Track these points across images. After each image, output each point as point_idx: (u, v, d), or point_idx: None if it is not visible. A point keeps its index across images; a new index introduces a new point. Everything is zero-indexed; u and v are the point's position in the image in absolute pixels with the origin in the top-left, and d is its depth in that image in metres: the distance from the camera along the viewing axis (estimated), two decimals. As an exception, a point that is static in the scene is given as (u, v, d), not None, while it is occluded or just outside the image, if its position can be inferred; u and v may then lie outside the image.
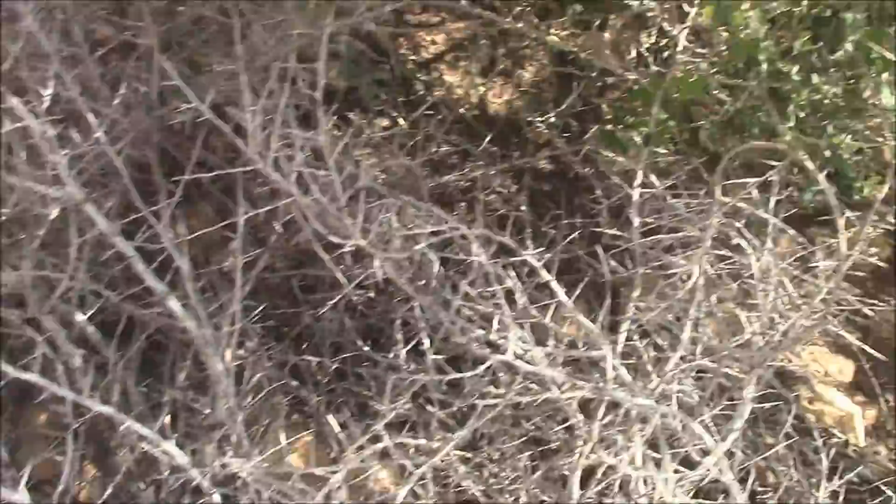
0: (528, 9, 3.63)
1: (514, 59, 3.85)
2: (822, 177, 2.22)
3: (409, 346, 2.14)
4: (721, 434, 1.99)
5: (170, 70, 1.86)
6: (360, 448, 1.96)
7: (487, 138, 3.21)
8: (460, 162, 3.32)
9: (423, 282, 2.07)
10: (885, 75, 2.15)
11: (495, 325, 1.86)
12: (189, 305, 1.97)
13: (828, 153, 2.38)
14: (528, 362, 1.73)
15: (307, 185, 1.79)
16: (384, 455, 2.03)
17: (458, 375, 1.82)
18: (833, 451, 2.82)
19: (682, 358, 1.91)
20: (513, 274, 2.00)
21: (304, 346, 2.68)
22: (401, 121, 2.99)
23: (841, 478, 2.61)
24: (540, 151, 3.34)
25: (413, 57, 3.76)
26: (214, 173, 2.01)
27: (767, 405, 2.58)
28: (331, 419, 2.07)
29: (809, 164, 2.24)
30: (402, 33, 3.65)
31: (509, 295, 2.08)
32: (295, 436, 2.45)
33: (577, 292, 2.25)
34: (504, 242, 2.00)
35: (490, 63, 3.82)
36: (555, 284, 1.90)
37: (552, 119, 3.30)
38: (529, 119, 3.35)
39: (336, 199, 1.75)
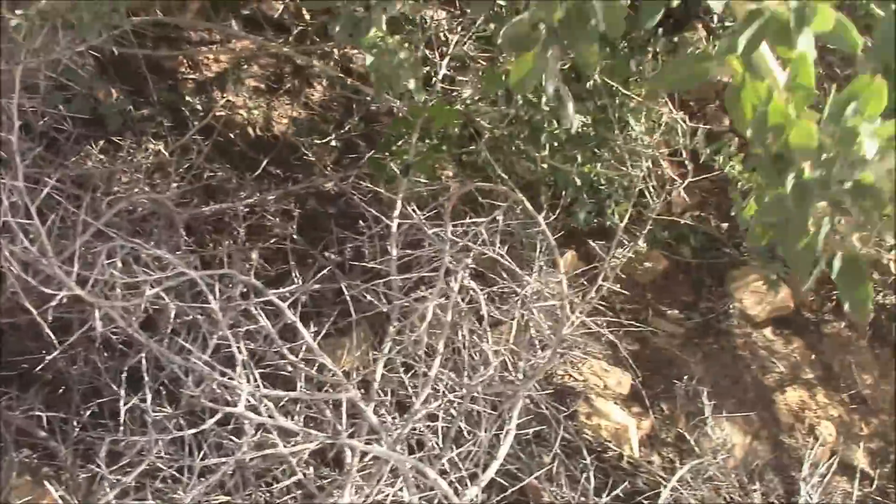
0: (309, 29, 3.57)
1: (301, 78, 3.77)
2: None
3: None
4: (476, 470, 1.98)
5: None
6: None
7: (264, 163, 3.11)
8: (239, 186, 3.21)
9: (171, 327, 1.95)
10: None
11: (239, 371, 1.77)
12: None
13: (577, 180, 2.44)
14: (261, 413, 1.65)
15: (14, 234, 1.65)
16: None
17: (180, 433, 1.72)
18: (608, 464, 2.92)
19: (429, 396, 1.89)
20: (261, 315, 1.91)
21: (60, 391, 2.51)
22: (161, 148, 2.84)
23: (612, 492, 2.70)
24: (320, 174, 3.27)
25: (193, 76, 3.62)
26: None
27: (539, 428, 2.63)
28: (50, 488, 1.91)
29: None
30: (181, 52, 3.49)
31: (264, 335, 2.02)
32: (43, 492, 2.29)
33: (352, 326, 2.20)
34: (252, 283, 1.91)
35: (277, 81, 3.73)
36: (299, 325, 1.84)
37: (332, 142, 3.24)
38: (310, 141, 3.27)
39: (44, 250, 1.61)
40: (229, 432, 1.86)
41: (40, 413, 2.28)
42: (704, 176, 2.78)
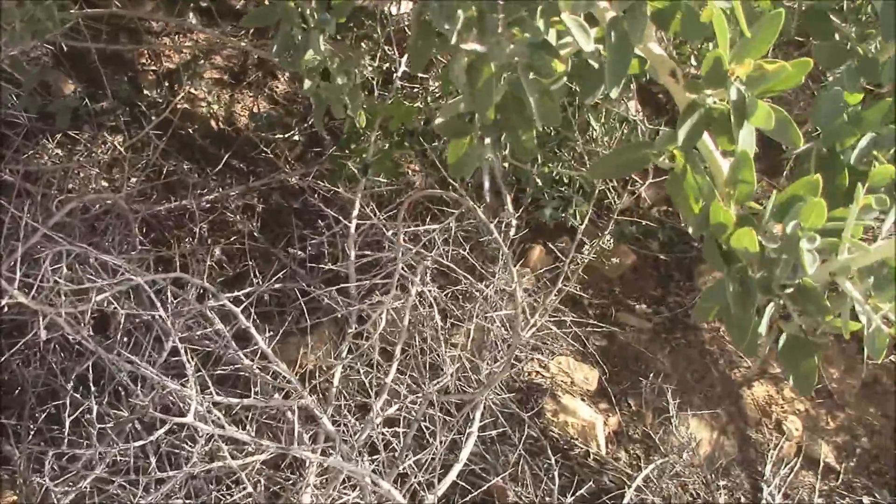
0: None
1: (266, 70, 3.70)
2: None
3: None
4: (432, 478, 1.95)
5: None
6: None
7: (225, 158, 3.05)
8: (201, 181, 3.15)
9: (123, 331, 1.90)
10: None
11: (191, 380, 1.73)
12: None
13: (538, 180, 2.41)
14: (211, 423, 1.61)
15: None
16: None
17: (137, 444, 1.68)
18: (574, 462, 2.91)
19: (388, 401, 1.86)
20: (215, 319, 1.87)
21: (15, 393, 2.45)
22: (118, 142, 2.77)
23: (579, 489, 2.68)
24: (283, 169, 3.22)
25: (154, 68, 3.54)
26: None
27: (503, 429, 2.60)
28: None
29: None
30: (136, 47, 3.41)
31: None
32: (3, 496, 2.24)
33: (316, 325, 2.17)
34: (206, 287, 1.87)
35: (241, 73, 3.67)
36: (253, 331, 1.79)
37: (296, 136, 3.19)
38: (272, 136, 3.21)
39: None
40: (183, 438, 1.82)
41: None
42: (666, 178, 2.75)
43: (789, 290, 1.25)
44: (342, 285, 2.05)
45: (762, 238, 1.24)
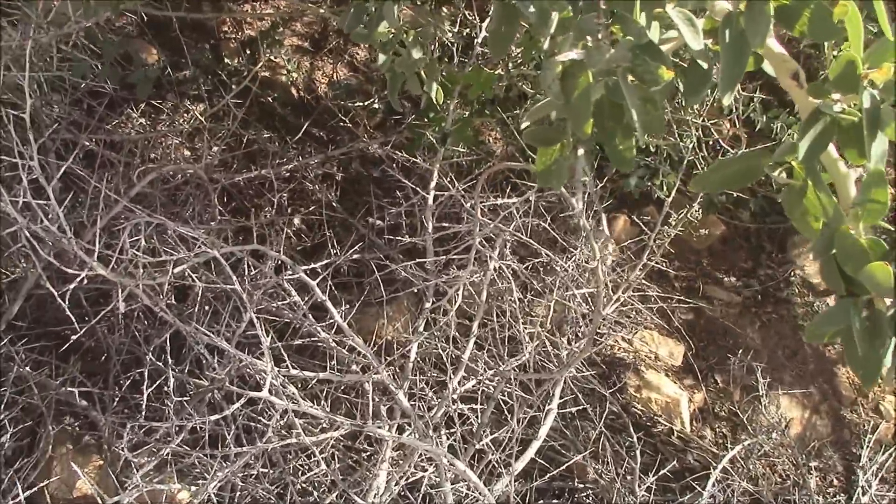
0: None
1: (346, 37, 3.65)
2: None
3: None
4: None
5: None
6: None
7: (305, 127, 3.03)
8: (282, 147, 3.14)
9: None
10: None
11: (266, 353, 1.71)
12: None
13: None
14: (286, 398, 1.59)
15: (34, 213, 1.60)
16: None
17: (214, 418, 1.68)
18: (657, 440, 2.82)
19: (464, 378, 1.81)
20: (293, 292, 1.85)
21: (101, 359, 2.49)
22: (200, 111, 2.77)
23: (663, 467, 2.60)
24: (373, 135, 3.18)
25: (235, 35, 3.54)
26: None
27: (583, 406, 2.54)
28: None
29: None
30: (216, 15, 3.41)
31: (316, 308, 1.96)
32: (85, 460, 2.29)
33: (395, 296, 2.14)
34: (284, 259, 1.85)
35: (321, 40, 3.64)
36: (329, 305, 1.77)
37: (376, 104, 3.14)
38: (351, 104, 3.17)
39: (63, 230, 1.56)
40: (260, 410, 1.82)
41: (82, 382, 2.26)
42: (764, 146, 2.62)
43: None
44: (420, 260, 2.00)
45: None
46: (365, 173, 3.16)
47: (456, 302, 1.84)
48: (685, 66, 1.15)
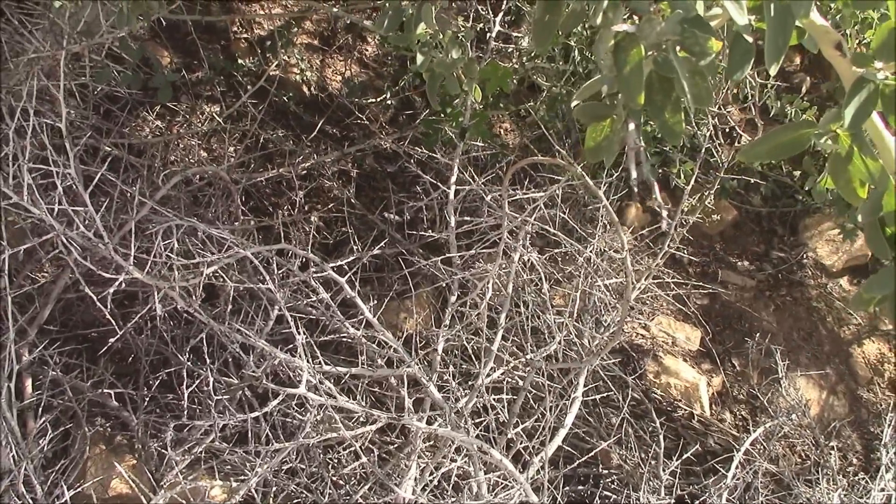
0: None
1: (355, 34, 3.68)
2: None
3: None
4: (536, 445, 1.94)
5: None
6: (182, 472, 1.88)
7: (319, 125, 3.06)
8: (297, 146, 3.17)
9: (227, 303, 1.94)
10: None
11: (300, 350, 1.75)
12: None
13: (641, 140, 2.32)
14: (322, 392, 1.63)
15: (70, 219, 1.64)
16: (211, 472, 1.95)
17: (254, 415, 1.71)
18: (678, 424, 2.86)
19: (499, 365, 1.85)
20: (321, 289, 1.88)
21: (129, 360, 2.53)
22: (216, 111, 2.80)
23: (685, 452, 2.64)
24: (385, 131, 3.21)
25: (245, 35, 3.56)
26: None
27: (607, 393, 2.57)
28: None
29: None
30: (228, 17, 3.43)
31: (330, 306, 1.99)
32: (118, 459, 2.33)
33: (414, 290, 2.17)
34: (310, 257, 1.88)
35: (331, 38, 3.66)
36: (359, 301, 1.80)
37: (388, 100, 3.17)
38: (363, 101, 3.20)
39: (100, 235, 1.60)
40: (293, 406, 1.85)
41: (113, 384, 2.29)
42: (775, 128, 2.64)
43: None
44: (444, 256, 2.03)
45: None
46: (379, 169, 3.19)
47: (487, 295, 1.87)
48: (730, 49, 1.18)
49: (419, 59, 1.66)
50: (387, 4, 1.56)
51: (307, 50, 3.58)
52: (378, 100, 3.14)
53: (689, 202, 2.80)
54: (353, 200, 2.73)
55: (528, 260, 2.05)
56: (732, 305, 3.30)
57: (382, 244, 2.33)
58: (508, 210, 2.02)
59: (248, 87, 2.89)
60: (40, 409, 2.04)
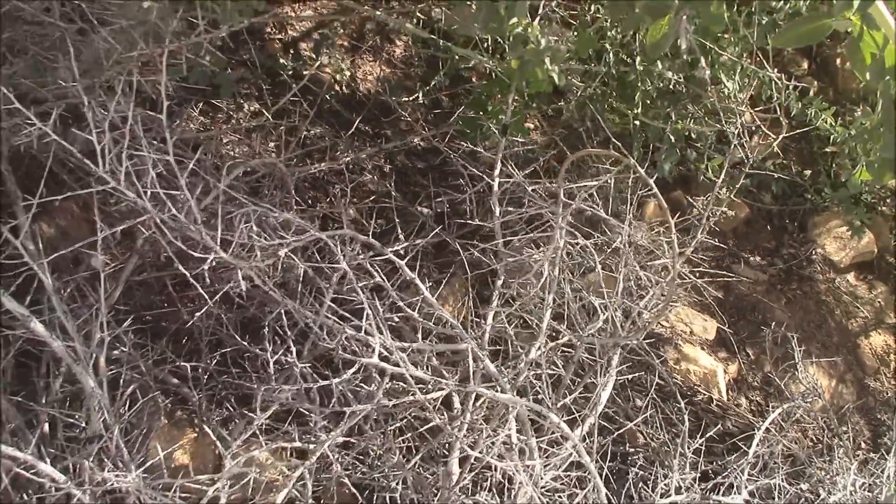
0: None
1: (383, 35, 3.83)
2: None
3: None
4: (583, 414, 2.10)
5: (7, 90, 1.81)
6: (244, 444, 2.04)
7: (356, 122, 3.21)
8: (331, 144, 3.32)
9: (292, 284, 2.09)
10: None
11: (364, 325, 1.90)
12: (52, 323, 1.95)
13: (671, 136, 2.50)
14: (394, 364, 1.78)
15: (163, 201, 1.79)
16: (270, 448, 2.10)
17: (326, 383, 1.86)
18: (698, 407, 3.02)
19: (545, 342, 2.00)
20: (378, 271, 2.04)
21: (183, 341, 2.68)
22: (256, 108, 2.95)
23: (705, 433, 2.80)
24: (410, 130, 3.36)
25: (279, 36, 3.71)
26: (62, 196, 1.99)
27: (635, 374, 2.73)
28: (207, 428, 2.08)
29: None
30: (263, 18, 3.58)
31: (377, 289, 2.14)
32: (179, 433, 2.47)
33: (450, 278, 2.33)
34: (371, 243, 2.04)
35: (359, 39, 3.81)
36: (419, 282, 1.96)
37: (420, 99, 3.33)
38: (399, 99, 3.35)
39: (191, 215, 1.75)
40: (353, 382, 2.00)
41: (174, 361, 2.44)
42: (799, 131, 2.83)
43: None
44: (493, 243, 2.19)
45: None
46: (411, 165, 3.35)
47: (542, 276, 2.03)
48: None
49: (511, 49, 1.82)
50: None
51: (337, 50, 3.73)
52: (411, 98, 3.30)
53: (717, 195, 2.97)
54: (393, 193, 2.88)
55: (577, 245, 2.21)
56: (746, 297, 3.47)
57: (421, 232, 2.48)
58: (550, 200, 2.18)
59: (292, 85, 3.04)
60: (120, 385, 2.18)
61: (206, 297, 2.04)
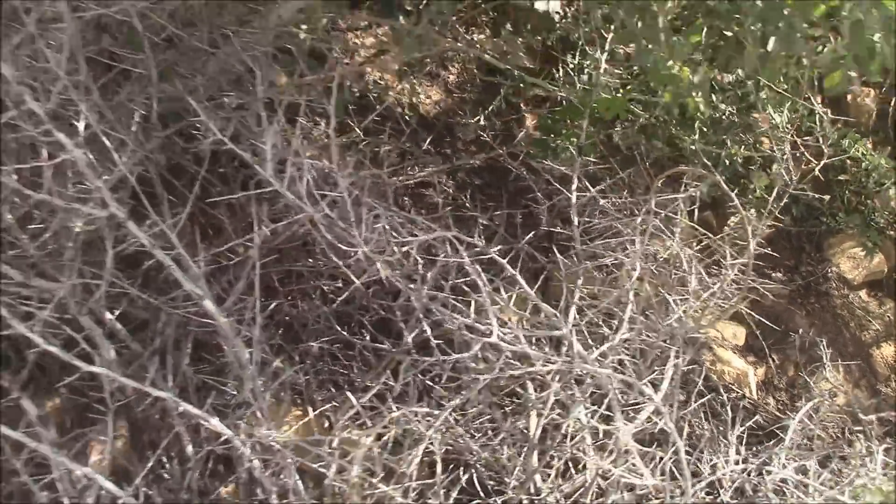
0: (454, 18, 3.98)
1: (439, 61, 4.18)
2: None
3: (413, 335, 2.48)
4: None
5: (192, 103, 2.15)
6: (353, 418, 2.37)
7: (427, 140, 3.56)
8: (399, 162, 3.65)
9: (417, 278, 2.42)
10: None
11: (472, 313, 2.24)
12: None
13: (726, 161, 2.86)
14: (509, 344, 2.12)
15: (316, 202, 2.12)
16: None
17: (456, 357, 2.20)
18: (733, 404, 3.36)
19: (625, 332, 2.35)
20: (479, 269, 2.37)
21: (287, 331, 2.99)
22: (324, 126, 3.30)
23: (741, 425, 3.14)
24: (469, 149, 3.71)
25: (346, 61, 4.06)
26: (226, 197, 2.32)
27: (686, 368, 3.07)
28: (351, 396, 2.38)
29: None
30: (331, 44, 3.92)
31: (473, 285, 2.48)
32: (290, 411, 2.77)
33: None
34: (473, 243, 2.37)
35: (417, 64, 4.15)
36: (519, 278, 2.29)
37: (481, 121, 3.68)
38: (463, 121, 3.70)
39: (346, 215, 2.08)
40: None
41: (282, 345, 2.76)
42: (835, 158, 3.20)
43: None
44: (574, 251, 2.54)
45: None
46: (468, 181, 3.69)
47: (635, 271, 2.38)
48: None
49: (646, 56, 2.13)
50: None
51: (401, 75, 4.08)
52: (474, 120, 3.65)
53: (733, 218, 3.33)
54: (467, 205, 3.23)
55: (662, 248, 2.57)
56: (770, 309, 3.82)
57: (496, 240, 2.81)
58: (620, 214, 2.54)
59: (376, 106, 3.38)
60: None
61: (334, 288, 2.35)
